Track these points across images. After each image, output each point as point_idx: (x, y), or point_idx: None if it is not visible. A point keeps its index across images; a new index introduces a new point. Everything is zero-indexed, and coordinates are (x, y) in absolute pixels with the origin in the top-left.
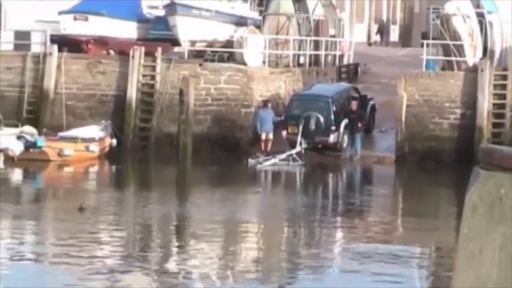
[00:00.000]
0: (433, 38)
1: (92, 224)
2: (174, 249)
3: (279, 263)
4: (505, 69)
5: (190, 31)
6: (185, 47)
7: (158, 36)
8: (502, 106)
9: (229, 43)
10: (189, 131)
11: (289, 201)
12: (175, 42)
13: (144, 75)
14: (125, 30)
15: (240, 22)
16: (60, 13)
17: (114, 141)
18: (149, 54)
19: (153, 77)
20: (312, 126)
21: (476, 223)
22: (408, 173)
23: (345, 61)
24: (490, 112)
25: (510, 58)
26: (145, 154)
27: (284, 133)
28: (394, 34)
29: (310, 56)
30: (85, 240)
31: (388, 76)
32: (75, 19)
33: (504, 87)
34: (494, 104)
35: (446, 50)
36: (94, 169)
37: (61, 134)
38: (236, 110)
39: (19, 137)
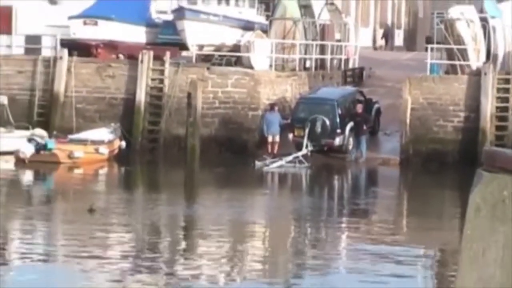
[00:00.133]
0: (437, 43)
1: (102, 225)
2: (183, 249)
3: (286, 263)
4: (508, 72)
5: (198, 35)
6: (193, 51)
7: (167, 41)
8: (505, 109)
9: (236, 47)
10: (197, 133)
11: (296, 203)
12: (183, 46)
13: (152, 79)
14: (134, 34)
15: (247, 26)
16: (70, 18)
17: (123, 144)
18: (158, 58)
19: (161, 81)
20: (318, 128)
21: (479, 224)
22: (412, 175)
23: (350, 65)
24: (493, 115)
25: None
26: (153, 156)
27: (290, 135)
28: (399, 38)
29: (316, 60)
30: (95, 241)
31: (392, 80)
32: (85, 23)
33: (507, 90)
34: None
35: (450, 54)
36: (103, 171)
37: (71, 136)
38: (243, 113)
39: (30, 140)
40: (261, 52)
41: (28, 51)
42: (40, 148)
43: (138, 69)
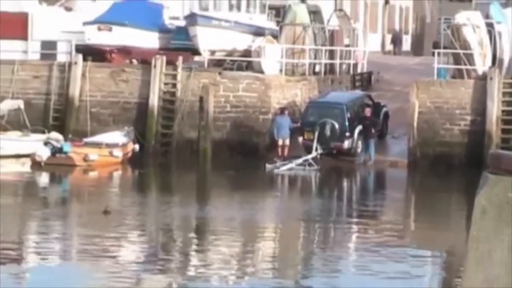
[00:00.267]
0: (444, 47)
1: (117, 226)
2: (195, 250)
3: (296, 263)
4: None
5: (210, 41)
6: (205, 56)
7: (179, 46)
8: (511, 112)
9: (247, 53)
10: (209, 137)
11: (305, 205)
12: (196, 52)
13: (165, 83)
14: (148, 40)
15: (258, 32)
16: (85, 23)
17: (137, 147)
18: (170, 63)
19: (174, 85)
20: (328, 132)
21: (485, 226)
22: (420, 177)
23: (359, 70)
24: (499, 118)
25: None
26: (166, 159)
27: (300, 139)
28: (406, 43)
29: (326, 64)
30: (110, 242)
31: (400, 84)
32: (99, 29)
33: None
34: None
35: (457, 59)
36: (117, 174)
37: (86, 140)
38: (254, 117)
39: (46, 143)
40: (272, 57)
41: (43, 56)
42: (56, 151)
43: (151, 74)
